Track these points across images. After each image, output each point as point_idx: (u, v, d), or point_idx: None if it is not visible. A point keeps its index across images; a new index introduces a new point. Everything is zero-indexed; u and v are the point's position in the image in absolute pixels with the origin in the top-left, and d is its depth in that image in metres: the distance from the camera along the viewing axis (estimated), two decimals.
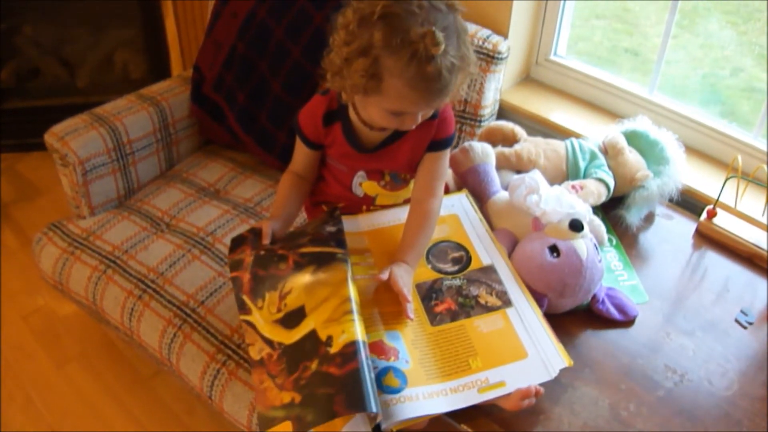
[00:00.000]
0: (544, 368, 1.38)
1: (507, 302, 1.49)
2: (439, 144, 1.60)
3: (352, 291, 1.40)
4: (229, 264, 1.56)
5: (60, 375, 2.42)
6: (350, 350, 1.28)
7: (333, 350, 1.30)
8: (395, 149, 1.60)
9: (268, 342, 1.38)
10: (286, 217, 1.63)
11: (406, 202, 1.69)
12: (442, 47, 1.27)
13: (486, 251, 1.60)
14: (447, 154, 1.63)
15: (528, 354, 1.41)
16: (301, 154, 1.66)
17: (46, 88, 3.43)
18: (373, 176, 1.66)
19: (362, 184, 1.66)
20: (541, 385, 1.36)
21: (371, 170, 1.65)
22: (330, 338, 1.32)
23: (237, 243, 1.58)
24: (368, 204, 1.70)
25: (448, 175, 1.80)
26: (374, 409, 1.21)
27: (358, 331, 1.32)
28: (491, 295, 1.51)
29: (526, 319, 1.46)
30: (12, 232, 2.97)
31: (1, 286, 2.72)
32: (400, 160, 1.62)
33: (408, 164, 1.64)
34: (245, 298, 1.46)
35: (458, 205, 1.72)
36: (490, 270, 1.56)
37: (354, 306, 1.37)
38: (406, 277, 1.48)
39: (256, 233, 1.57)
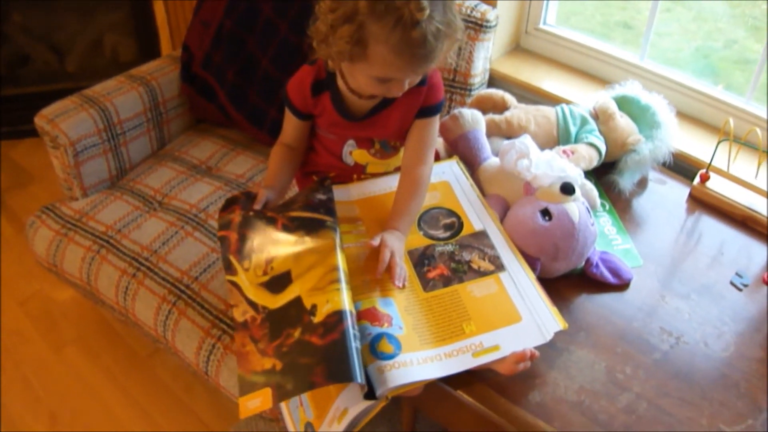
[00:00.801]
0: (539, 331, 1.38)
1: (500, 267, 1.49)
2: (428, 110, 1.60)
3: (340, 260, 1.39)
4: (218, 222, 1.55)
5: (58, 359, 2.42)
6: (333, 320, 1.28)
7: (316, 319, 1.29)
8: (385, 117, 1.59)
9: (253, 305, 1.37)
10: (279, 187, 1.63)
11: (397, 170, 1.68)
12: (427, 12, 1.27)
13: (478, 217, 1.60)
14: (436, 120, 1.63)
15: (522, 317, 1.40)
16: (290, 125, 1.65)
17: (37, 74, 3.41)
18: (362, 144, 1.65)
19: (352, 153, 1.65)
20: (537, 349, 1.36)
21: (361, 138, 1.64)
22: (314, 307, 1.31)
23: (229, 203, 1.58)
24: (359, 173, 1.70)
25: (438, 142, 1.80)
26: (357, 380, 1.20)
27: (344, 300, 1.31)
28: (484, 260, 1.50)
29: (520, 283, 1.46)
30: (7, 219, 2.96)
31: None
32: (390, 128, 1.61)
33: (398, 132, 1.63)
34: (231, 258, 1.46)
35: (449, 172, 1.71)
36: (482, 235, 1.56)
37: (341, 275, 1.36)
38: (398, 244, 1.48)
39: (249, 196, 1.57)
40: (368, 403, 1.25)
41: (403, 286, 1.44)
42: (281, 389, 1.23)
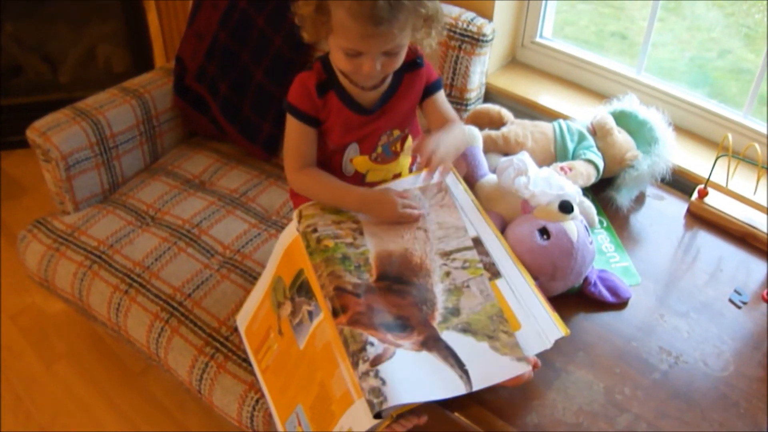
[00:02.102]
0: (539, 339, 1.36)
1: (496, 274, 1.46)
2: (433, 86, 1.66)
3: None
4: None
5: (49, 373, 2.41)
6: None
7: None
8: (395, 104, 1.61)
9: None
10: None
11: (396, 176, 1.69)
12: None
13: (472, 224, 1.55)
14: (442, 92, 1.69)
15: (521, 325, 1.38)
16: (302, 139, 1.61)
17: (29, 85, 3.41)
18: (365, 148, 1.64)
19: (353, 160, 1.65)
20: (534, 370, 1.34)
21: (368, 136, 1.63)
22: None
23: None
24: (358, 182, 1.68)
25: None
26: None
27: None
28: None
29: (518, 289, 1.43)
30: None
31: None
32: (399, 116, 1.63)
33: (405, 118, 1.66)
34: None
35: (446, 183, 1.69)
36: (476, 242, 1.52)
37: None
38: (446, 139, 1.52)
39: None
40: (374, 422, 1.24)
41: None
42: None
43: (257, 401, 1.68)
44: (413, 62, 1.60)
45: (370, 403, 1.23)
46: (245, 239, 2.03)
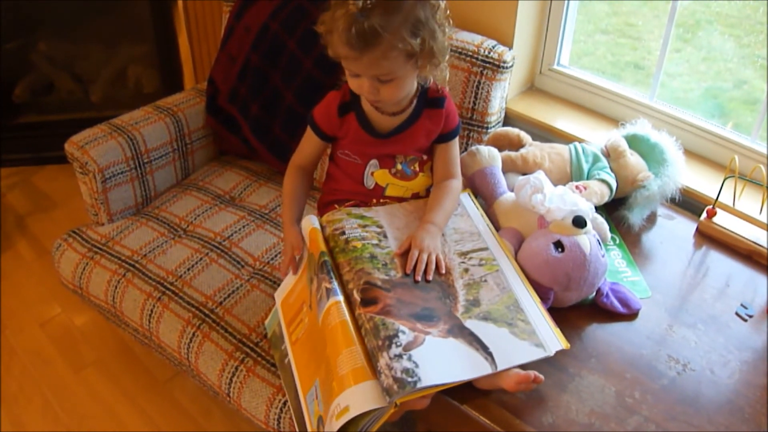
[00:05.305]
0: (539, 346, 1.44)
1: (503, 290, 1.54)
2: (447, 136, 1.73)
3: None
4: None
5: (77, 380, 2.47)
6: None
7: None
8: (409, 135, 1.69)
9: None
10: (299, 214, 1.73)
11: (414, 195, 1.77)
12: (360, 4, 1.41)
13: (485, 241, 1.66)
14: (457, 141, 1.76)
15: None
16: (309, 146, 1.75)
17: (61, 103, 3.49)
18: (385, 164, 1.72)
19: (374, 174, 1.72)
20: (549, 376, 1.42)
21: (384, 156, 1.71)
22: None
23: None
24: (378, 196, 1.75)
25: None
26: None
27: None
28: None
29: (523, 303, 1.52)
30: (28, 243, 3.03)
31: (18, 295, 2.79)
32: (414, 145, 1.71)
33: (420, 147, 1.73)
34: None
35: (462, 203, 1.77)
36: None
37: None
38: (428, 240, 1.57)
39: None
40: (372, 404, 1.30)
41: (428, 281, 1.53)
42: None
43: (284, 403, 1.73)
44: (436, 100, 1.68)
45: (403, 382, 1.29)
46: (274, 252, 2.11)
